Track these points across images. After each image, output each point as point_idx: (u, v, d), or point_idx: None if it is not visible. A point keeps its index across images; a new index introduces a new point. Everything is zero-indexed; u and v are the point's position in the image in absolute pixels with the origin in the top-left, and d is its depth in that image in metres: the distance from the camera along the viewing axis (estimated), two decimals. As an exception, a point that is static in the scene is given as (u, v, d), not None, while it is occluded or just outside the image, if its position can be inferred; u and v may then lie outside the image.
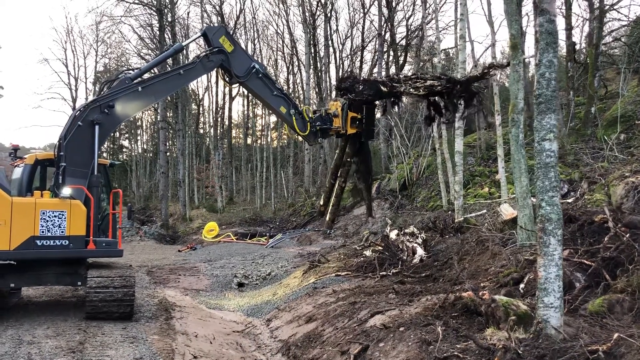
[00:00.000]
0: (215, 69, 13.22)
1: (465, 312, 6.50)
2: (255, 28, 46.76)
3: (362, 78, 22.26)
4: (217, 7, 42.88)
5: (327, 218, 25.23)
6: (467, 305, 6.54)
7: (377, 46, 38.46)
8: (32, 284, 9.11)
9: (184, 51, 29.83)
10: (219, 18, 43.27)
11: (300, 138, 20.55)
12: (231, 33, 43.65)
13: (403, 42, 38.30)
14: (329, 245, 20.27)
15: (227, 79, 13.98)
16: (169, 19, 34.61)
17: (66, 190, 8.96)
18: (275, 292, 12.92)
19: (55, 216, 8.67)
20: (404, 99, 22.11)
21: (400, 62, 36.09)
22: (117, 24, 39.77)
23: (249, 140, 54.81)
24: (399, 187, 26.80)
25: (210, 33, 12.67)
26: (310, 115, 17.80)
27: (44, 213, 8.57)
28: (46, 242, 8.55)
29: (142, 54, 40.39)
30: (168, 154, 39.90)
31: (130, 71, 11.06)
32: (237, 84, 14.58)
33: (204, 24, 42.65)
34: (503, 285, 7.80)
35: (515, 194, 10.77)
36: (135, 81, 10.33)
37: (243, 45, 48.28)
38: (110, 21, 39.63)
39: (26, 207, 8.47)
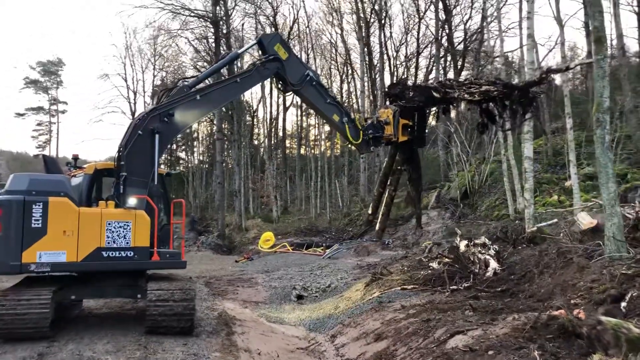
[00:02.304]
0: (270, 77, 13.02)
1: (562, 334, 5.73)
2: (308, 38, 46.83)
3: (412, 84, 21.78)
4: (271, 18, 43.17)
5: (377, 227, 24.40)
6: (563, 326, 5.77)
7: (433, 51, 37.62)
8: (93, 297, 8.97)
9: (239, 61, 29.97)
10: (273, 29, 43.51)
11: (352, 147, 20.13)
12: (284, 44, 44.17)
13: (460, 47, 37.23)
14: (388, 256, 19.55)
15: (281, 88, 13.85)
16: (224, 31, 35.03)
17: (132, 201, 8.81)
18: (337, 305, 12.37)
19: (120, 227, 8.49)
20: (461, 104, 21.33)
21: (459, 66, 34.96)
22: (174, 37, 40.38)
23: (302, 150, 54.82)
24: (460, 195, 25.77)
25: (266, 40, 12.54)
26: (362, 124, 17.42)
27: (109, 224, 8.40)
28: (112, 254, 8.36)
29: (198, 66, 41.09)
30: (224, 164, 40.37)
31: (188, 80, 10.91)
32: (291, 92, 14.37)
33: (258, 35, 42.96)
34: (598, 304, 6.93)
35: (602, 202, 9.78)
36: (193, 89, 10.16)
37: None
38: (167, 34, 40.36)
39: (93, 217, 8.31)
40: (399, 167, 22.19)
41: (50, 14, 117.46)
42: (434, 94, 18.78)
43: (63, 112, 66.43)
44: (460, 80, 20.95)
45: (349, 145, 20.86)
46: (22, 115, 64.07)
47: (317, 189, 41.37)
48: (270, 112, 49.37)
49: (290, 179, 49.89)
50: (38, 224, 7.82)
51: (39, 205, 7.86)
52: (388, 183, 22.84)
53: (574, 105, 22.56)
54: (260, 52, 12.94)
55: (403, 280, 12.02)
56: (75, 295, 8.58)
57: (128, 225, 8.56)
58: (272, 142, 49.84)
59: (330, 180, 41.50)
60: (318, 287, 15.31)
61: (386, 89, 22.38)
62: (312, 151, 52.97)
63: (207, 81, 11.16)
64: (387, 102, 20.42)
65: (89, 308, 10.51)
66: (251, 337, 8.64)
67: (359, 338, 8.64)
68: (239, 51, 13.47)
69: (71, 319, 9.38)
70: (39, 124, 65.23)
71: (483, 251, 11.51)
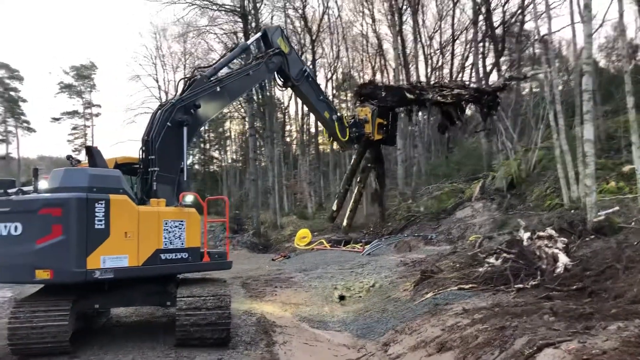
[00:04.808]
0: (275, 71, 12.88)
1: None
2: (338, 30, 45.65)
3: (384, 85, 23.05)
4: (300, 11, 42.17)
5: (345, 223, 24.88)
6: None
7: (470, 37, 36.04)
8: (118, 305, 8.15)
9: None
10: (302, 22, 42.56)
11: (336, 144, 20.84)
12: (314, 37, 43.10)
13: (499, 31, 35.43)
14: (433, 251, 18.31)
15: (280, 82, 13.85)
16: (253, 25, 34.23)
17: (188, 198, 8.11)
18: (384, 307, 11.27)
19: (175, 227, 7.75)
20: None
21: (499, 49, 33.28)
22: (202, 33, 39.82)
23: (335, 145, 53.63)
24: (506, 185, 24.17)
25: (270, 33, 12.52)
26: (348, 122, 17.90)
27: (166, 223, 7.64)
28: (169, 256, 7.62)
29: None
30: (257, 162, 39.71)
31: (204, 69, 10.28)
32: (290, 88, 14.51)
33: (288, 29, 42.19)
34: None
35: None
36: (212, 80, 9.72)
37: (327, 48, 47.43)
38: (195, 31, 39.83)
39: (151, 217, 7.51)
40: (368, 165, 23.12)
41: (81, 18, 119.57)
42: (407, 94, 19.90)
43: (97, 115, 66.91)
44: (431, 83, 23.39)
45: (333, 142, 21.55)
46: (57, 119, 64.83)
47: (353, 184, 40.20)
48: (302, 109, 48.39)
49: (324, 174, 48.88)
50: (101, 225, 6.93)
51: (102, 204, 6.96)
52: (358, 180, 23.84)
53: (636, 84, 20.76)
54: (263, 46, 12.80)
55: (458, 279, 10.84)
56: (100, 304, 7.73)
57: (182, 225, 7.85)
58: (304, 138, 48.91)
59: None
60: (361, 287, 14.24)
61: (357, 89, 22.96)
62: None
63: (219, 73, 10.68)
64: (358, 102, 21.60)
65: (118, 316, 9.71)
66: (294, 348, 7.66)
67: (417, 347, 7.54)
68: (248, 42, 13.11)
69: (97, 329, 8.58)
70: (74, 128, 65.86)
71: (550, 244, 10.22)
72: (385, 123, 20.25)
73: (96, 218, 6.88)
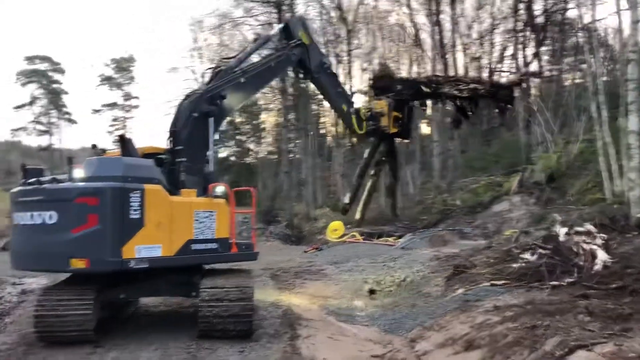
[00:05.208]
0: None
1: None
2: (374, 20, 45.07)
3: (400, 78, 23.08)
4: (336, 1, 41.77)
5: (357, 216, 24.82)
6: None
7: (512, 24, 35.06)
8: (143, 295, 8.21)
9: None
10: (338, 12, 42.13)
11: (353, 137, 23.00)
12: (350, 27, 42.66)
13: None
14: (468, 246, 17.86)
15: (300, 74, 13.92)
16: (288, 16, 34.18)
17: (219, 189, 8.18)
18: (414, 302, 11.03)
19: (206, 217, 7.74)
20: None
21: (540, 38, 32.22)
22: (238, 25, 40.03)
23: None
24: (545, 179, 23.40)
25: (291, 24, 12.55)
26: (365, 115, 17.93)
27: (197, 214, 7.64)
28: (200, 246, 7.63)
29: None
30: (291, 155, 39.75)
31: (229, 60, 10.43)
32: (310, 80, 14.48)
33: (323, 19, 42.00)
34: None
35: None
36: (237, 70, 9.75)
37: (363, 39, 46.92)
38: (231, 23, 40.06)
39: (183, 207, 7.54)
40: (383, 158, 23.07)
41: (121, 11, 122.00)
42: (423, 88, 20.19)
43: (136, 107, 68.33)
44: (448, 76, 23.65)
45: (350, 134, 22.59)
46: (98, 111, 66.52)
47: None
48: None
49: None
50: (136, 214, 6.94)
51: (137, 194, 6.97)
52: (372, 173, 23.77)
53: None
54: (285, 37, 12.73)
55: (491, 275, 10.49)
56: (125, 294, 7.78)
57: (213, 215, 7.84)
58: (339, 130, 48.62)
59: (401, 167, 39.86)
60: (392, 281, 13.99)
61: (372, 81, 23.44)
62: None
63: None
64: (374, 94, 21.67)
65: (146, 305, 9.76)
66: (318, 342, 7.52)
67: (444, 345, 7.30)
68: (270, 33, 13.13)
69: (125, 318, 8.65)
70: (114, 120, 67.46)
71: (588, 240, 9.77)
72: (400, 116, 20.16)
73: (131, 208, 6.89)
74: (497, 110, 21.36)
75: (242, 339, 7.18)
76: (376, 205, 29.18)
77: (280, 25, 13.13)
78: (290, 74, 17.86)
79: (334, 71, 15.98)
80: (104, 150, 8.63)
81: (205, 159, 8.91)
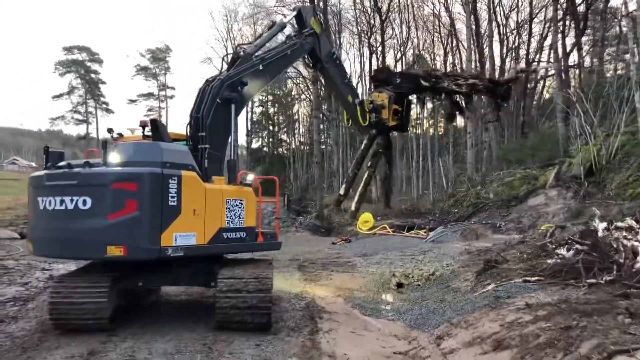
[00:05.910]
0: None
1: None
2: (409, 9, 44.27)
3: (399, 71, 23.80)
4: (371, -9, 41.25)
5: (352, 208, 25.30)
6: None
7: (549, 14, 33.79)
8: (162, 284, 8.08)
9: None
10: (372, 1, 41.51)
11: (357, 128, 22.15)
12: (384, 17, 41.97)
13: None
14: (501, 240, 17.28)
15: (310, 64, 14.01)
16: (321, 6, 33.78)
17: (249, 177, 8.16)
18: (442, 297, 10.64)
19: (236, 205, 7.66)
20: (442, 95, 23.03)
21: (581, 27, 30.96)
22: (270, 14, 39.92)
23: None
24: (583, 172, 22.44)
25: (304, 12, 12.79)
26: (369, 107, 18.14)
27: (228, 202, 7.56)
28: (230, 235, 7.55)
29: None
30: (323, 146, 39.46)
31: (246, 46, 10.27)
32: (318, 70, 14.49)
33: (357, 9, 41.40)
34: None
35: None
36: (254, 57, 9.72)
37: (397, 29, 46.18)
38: (264, 13, 40.00)
39: (216, 194, 7.44)
40: (380, 150, 23.39)
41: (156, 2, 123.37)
42: (422, 82, 20.35)
43: (171, 97, 69.38)
44: (447, 71, 23.59)
45: (352, 126, 22.75)
46: (134, 101, 67.76)
47: (419, 169, 39.32)
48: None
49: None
50: (174, 201, 6.80)
51: (175, 180, 6.82)
52: (369, 165, 24.22)
53: None
54: (297, 25, 13.09)
55: (524, 270, 10.02)
56: (144, 282, 7.62)
57: (242, 204, 7.77)
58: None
59: (433, 159, 39.17)
60: (420, 275, 13.61)
61: (372, 74, 24.31)
62: (414, 130, 50.51)
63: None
64: (372, 87, 22.25)
65: (167, 294, 9.68)
66: (339, 337, 7.25)
67: (472, 343, 6.93)
68: (285, 20, 13.12)
69: (146, 306, 8.56)
70: (149, 110, 68.65)
71: (629, 236, 9.19)
72: (400, 109, 20.43)
73: (169, 194, 6.75)
74: (493, 106, 21.97)
75: (260, 332, 6.98)
76: (406, 198, 28.73)
77: (294, 13, 13.19)
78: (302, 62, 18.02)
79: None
80: (120, 135, 8.48)
81: (226, 146, 8.76)
